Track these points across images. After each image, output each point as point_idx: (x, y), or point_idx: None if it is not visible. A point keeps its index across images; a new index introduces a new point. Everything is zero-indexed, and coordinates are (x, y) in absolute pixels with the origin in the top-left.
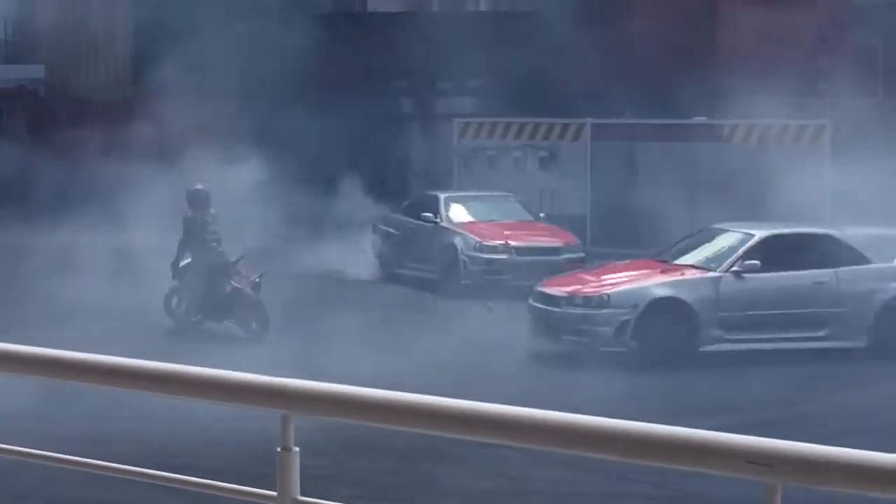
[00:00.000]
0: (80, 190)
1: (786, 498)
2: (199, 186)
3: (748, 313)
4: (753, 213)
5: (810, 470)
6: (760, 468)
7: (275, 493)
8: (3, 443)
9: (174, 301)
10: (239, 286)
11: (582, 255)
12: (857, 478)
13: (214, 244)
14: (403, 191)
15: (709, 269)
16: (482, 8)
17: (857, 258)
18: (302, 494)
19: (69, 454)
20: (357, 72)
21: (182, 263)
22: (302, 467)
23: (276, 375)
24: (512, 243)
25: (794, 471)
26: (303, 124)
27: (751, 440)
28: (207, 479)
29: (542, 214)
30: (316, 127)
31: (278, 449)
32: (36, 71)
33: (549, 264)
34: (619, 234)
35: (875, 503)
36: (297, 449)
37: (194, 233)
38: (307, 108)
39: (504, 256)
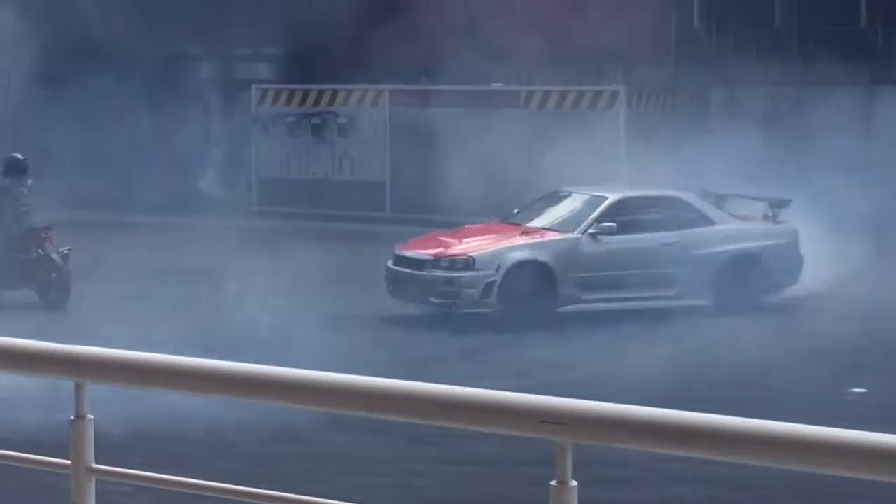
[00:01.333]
0: None
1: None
2: (17, 155)
3: (604, 274)
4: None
5: (602, 428)
6: (553, 427)
7: (68, 462)
8: None
9: None
10: (46, 253)
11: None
12: (648, 435)
13: (25, 212)
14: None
15: (566, 231)
16: None
17: (703, 220)
18: (97, 463)
19: None
20: (150, 39)
21: None
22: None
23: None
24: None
25: (586, 429)
26: (98, 91)
27: (543, 399)
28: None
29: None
30: (113, 100)
31: (72, 417)
32: None
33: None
34: (418, 200)
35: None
36: (91, 417)
37: (6, 202)
38: (104, 74)
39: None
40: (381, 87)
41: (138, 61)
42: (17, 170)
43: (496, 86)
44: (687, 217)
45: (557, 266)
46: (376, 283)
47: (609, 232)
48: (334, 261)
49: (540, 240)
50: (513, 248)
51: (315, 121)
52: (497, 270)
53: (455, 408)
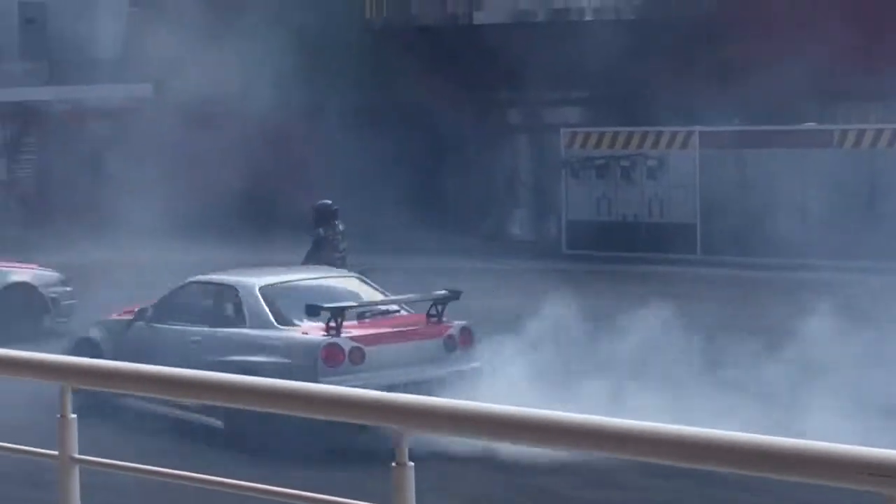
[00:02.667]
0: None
1: None
2: (328, 202)
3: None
4: (865, 216)
5: None
6: (881, 479)
7: (55, 453)
8: None
9: None
10: None
11: None
12: None
13: (340, 258)
14: (513, 203)
15: None
16: (587, 18)
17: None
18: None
19: None
20: (463, 84)
21: None
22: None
23: None
24: None
25: None
26: (409, 138)
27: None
28: None
29: None
30: (423, 141)
31: (58, 416)
32: (144, 89)
33: None
34: (730, 241)
35: None
36: (74, 416)
37: (324, 248)
38: (413, 122)
39: None
40: (690, 128)
41: (449, 105)
42: (328, 215)
43: (808, 125)
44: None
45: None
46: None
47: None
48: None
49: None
50: None
51: (624, 163)
52: None
53: (781, 458)
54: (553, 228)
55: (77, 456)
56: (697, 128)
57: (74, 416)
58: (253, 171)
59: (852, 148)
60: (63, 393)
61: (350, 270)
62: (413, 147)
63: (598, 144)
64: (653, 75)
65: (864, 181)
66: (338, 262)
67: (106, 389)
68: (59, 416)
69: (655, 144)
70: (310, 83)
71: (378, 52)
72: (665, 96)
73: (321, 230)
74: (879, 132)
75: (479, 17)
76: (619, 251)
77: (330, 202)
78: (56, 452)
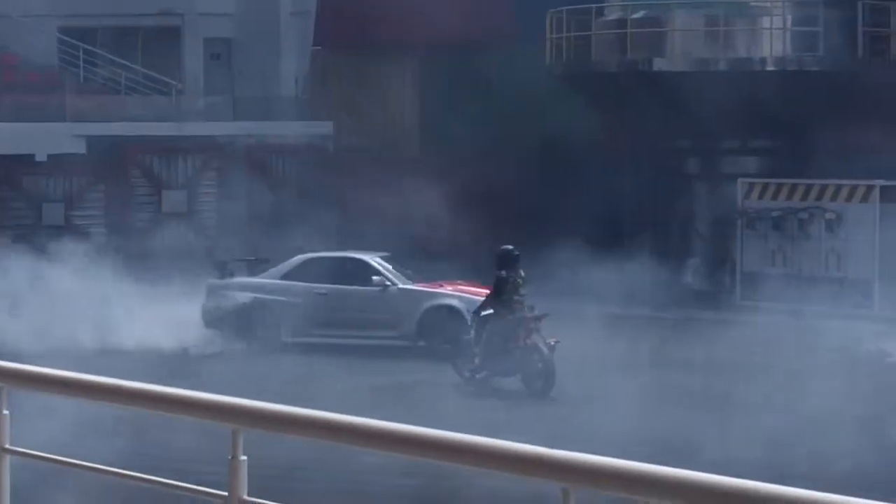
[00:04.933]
0: None
1: None
2: (510, 247)
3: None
4: None
5: None
6: None
7: (225, 494)
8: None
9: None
10: (535, 342)
11: None
12: None
13: (519, 302)
14: (687, 252)
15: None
16: (769, 67)
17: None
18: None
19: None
20: (643, 131)
21: (483, 313)
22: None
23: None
24: None
25: None
26: (589, 185)
27: None
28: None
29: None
30: (604, 188)
31: (229, 457)
32: (325, 127)
33: None
34: None
35: None
36: (244, 458)
37: (504, 292)
38: (594, 169)
39: None
40: (871, 182)
41: (628, 152)
42: (510, 261)
43: None
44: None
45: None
46: None
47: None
48: None
49: None
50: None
51: (802, 216)
52: None
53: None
54: (727, 279)
55: (247, 498)
56: (879, 182)
57: (245, 458)
58: (434, 208)
59: None
60: (235, 436)
61: (528, 315)
62: (591, 192)
63: (775, 196)
64: (834, 127)
65: None
66: (517, 306)
67: (277, 432)
68: (229, 457)
69: (835, 197)
70: (493, 126)
71: (558, 97)
72: (846, 148)
73: (503, 272)
74: None
75: (659, 64)
76: (795, 304)
77: (512, 248)
78: (226, 494)
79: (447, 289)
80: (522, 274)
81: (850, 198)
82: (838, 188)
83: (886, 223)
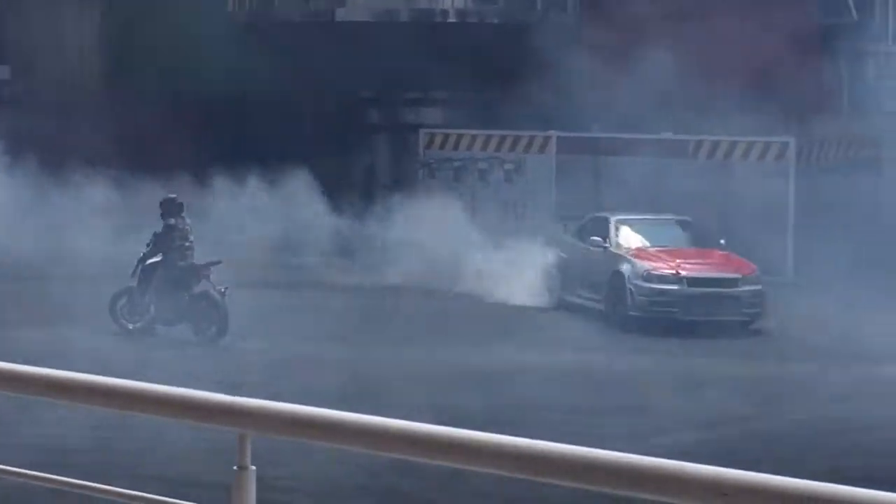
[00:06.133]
0: None
1: None
2: (173, 195)
3: None
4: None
5: None
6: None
7: None
8: None
9: (121, 303)
10: (205, 289)
11: (760, 287)
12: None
13: (189, 252)
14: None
15: None
16: (451, 19)
17: None
18: None
19: (28, 468)
20: (325, 81)
21: (149, 261)
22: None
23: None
24: (683, 273)
25: None
26: (269, 133)
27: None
28: (167, 495)
29: (721, 241)
30: (282, 137)
31: (235, 467)
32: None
33: (724, 297)
34: None
35: None
36: (253, 468)
37: (172, 240)
38: (274, 117)
39: (674, 287)
40: (548, 133)
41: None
42: (174, 208)
43: (665, 135)
44: None
45: None
46: None
47: None
48: None
49: None
50: None
51: (482, 166)
52: None
53: (629, 476)
54: None
55: None
56: (555, 133)
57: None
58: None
59: (707, 159)
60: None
61: (197, 262)
62: (272, 142)
63: (456, 146)
64: (512, 79)
65: (718, 192)
66: (187, 254)
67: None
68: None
69: (514, 148)
70: (172, 74)
71: (241, 46)
72: (525, 100)
73: (171, 220)
74: (734, 144)
75: (342, 14)
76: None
77: (175, 195)
78: None
79: None
80: (188, 221)
81: (528, 148)
82: (516, 139)
83: (562, 173)
